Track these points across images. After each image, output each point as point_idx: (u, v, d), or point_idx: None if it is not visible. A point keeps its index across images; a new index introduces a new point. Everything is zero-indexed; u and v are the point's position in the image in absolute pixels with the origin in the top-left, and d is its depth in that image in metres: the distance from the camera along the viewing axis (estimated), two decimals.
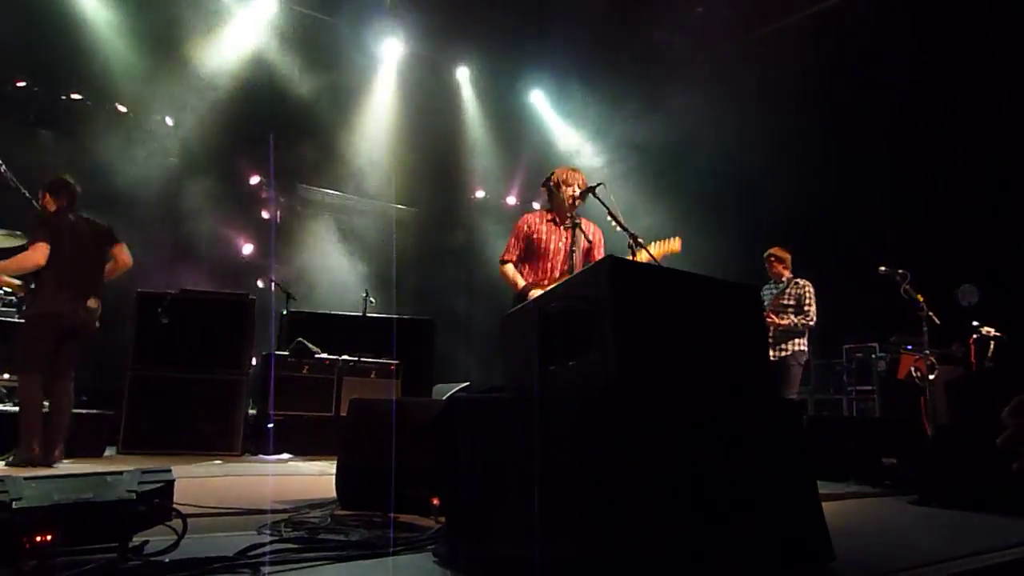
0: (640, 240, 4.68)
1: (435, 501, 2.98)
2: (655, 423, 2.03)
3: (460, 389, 8.03)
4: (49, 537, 1.96)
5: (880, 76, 8.48)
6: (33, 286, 5.11)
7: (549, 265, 5.00)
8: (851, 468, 5.51)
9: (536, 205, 12.06)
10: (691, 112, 9.54)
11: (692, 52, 9.99)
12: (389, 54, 10.53)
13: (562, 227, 5.05)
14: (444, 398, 7.05)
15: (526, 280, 4.96)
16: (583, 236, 4.92)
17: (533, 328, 2.53)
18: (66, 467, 4.87)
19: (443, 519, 2.81)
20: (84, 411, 5.82)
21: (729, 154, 9.62)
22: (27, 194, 5.62)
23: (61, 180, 5.29)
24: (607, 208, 4.86)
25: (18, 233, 5.60)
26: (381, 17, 9.82)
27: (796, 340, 6.43)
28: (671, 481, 2.00)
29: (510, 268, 5.01)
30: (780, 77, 8.84)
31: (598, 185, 4.91)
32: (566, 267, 4.95)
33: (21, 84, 8.38)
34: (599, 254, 5.05)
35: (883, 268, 6.79)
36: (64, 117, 8.73)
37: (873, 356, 8.77)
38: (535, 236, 5.03)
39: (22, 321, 5.46)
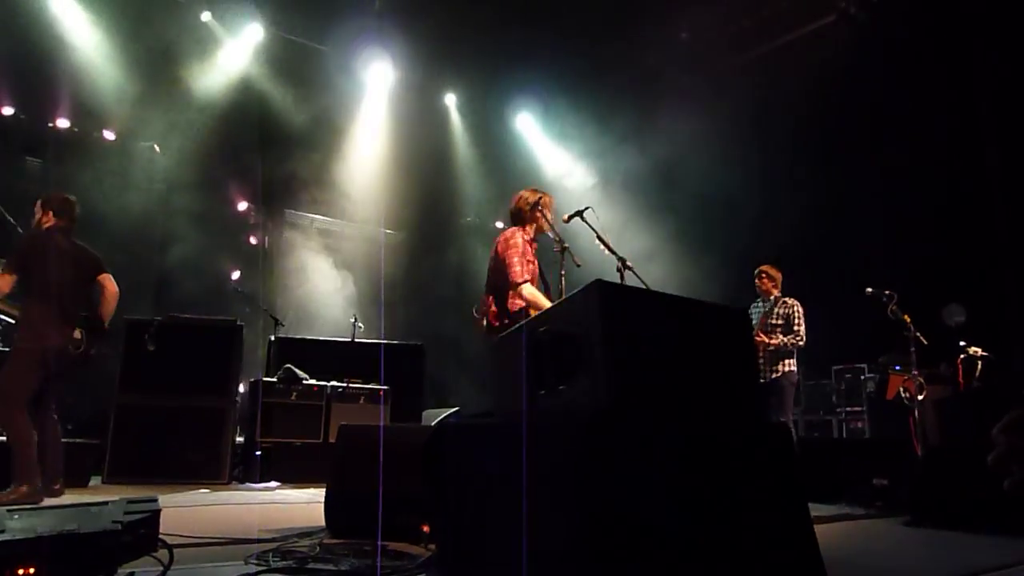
0: (629, 263, 4.70)
1: (426, 528, 2.96)
2: (645, 448, 2.03)
3: (450, 414, 7.99)
4: (32, 570, 1.92)
5: (867, 97, 8.60)
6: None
7: (541, 289, 4.93)
8: (842, 489, 5.51)
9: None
10: (680, 133, 9.64)
11: (681, 74, 10.10)
12: (377, 80, 10.59)
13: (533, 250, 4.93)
14: (433, 424, 7.02)
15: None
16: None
17: (522, 353, 2.52)
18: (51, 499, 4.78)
19: (434, 546, 2.79)
20: (69, 440, 5.72)
21: (718, 175, 9.71)
22: (12, 221, 5.54)
23: (64, 199, 5.06)
24: (595, 231, 4.89)
25: (2, 261, 5.51)
26: (368, 44, 9.88)
27: (787, 360, 6.43)
28: (662, 506, 1.99)
29: (535, 289, 4.77)
30: (768, 99, 8.95)
31: (586, 208, 4.94)
32: (548, 290, 4.89)
33: (7, 112, 8.36)
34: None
35: (870, 289, 6.83)
36: (51, 145, 8.70)
37: (862, 377, 8.80)
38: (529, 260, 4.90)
39: (5, 351, 5.33)
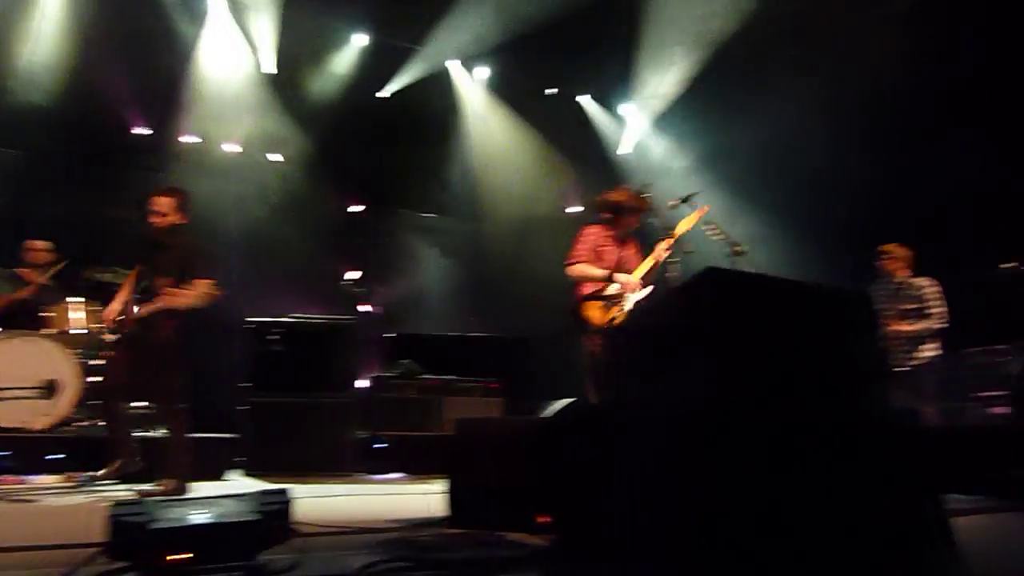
0: (740, 247, 4.59)
1: (543, 519, 2.99)
2: (762, 439, 1.97)
3: (564, 405, 8.00)
4: (182, 556, 2.08)
5: (988, 59, 7.98)
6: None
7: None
8: (981, 480, 5.17)
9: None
10: (788, 109, 9.27)
11: (785, 47, 9.69)
12: (480, 75, 10.74)
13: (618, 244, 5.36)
14: (547, 415, 7.06)
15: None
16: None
17: (635, 342, 2.51)
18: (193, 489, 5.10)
19: (552, 537, 2.82)
20: (205, 435, 6.16)
21: (829, 152, 9.28)
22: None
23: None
24: (704, 217, 4.80)
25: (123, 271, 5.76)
26: (470, 44, 10.00)
27: (926, 346, 6.02)
28: (781, 500, 1.93)
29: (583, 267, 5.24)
30: (881, 67, 8.45)
31: (694, 193, 4.86)
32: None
33: (141, 131, 8.99)
34: None
35: (1008, 264, 6.35)
36: (179, 159, 9.31)
37: (1003, 359, 8.19)
38: (602, 250, 5.27)
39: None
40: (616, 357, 2.73)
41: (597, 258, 5.26)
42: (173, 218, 4.96)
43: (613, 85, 11.06)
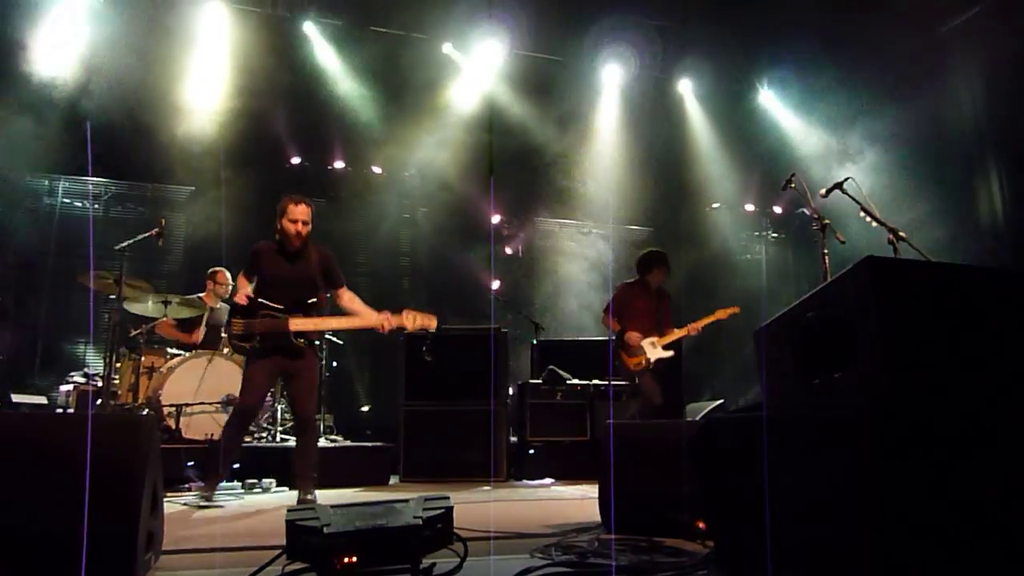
0: (902, 234, 4.29)
1: (701, 525, 2.92)
2: (933, 440, 1.83)
3: (714, 408, 7.80)
4: (353, 559, 2.20)
5: None
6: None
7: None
8: None
9: (777, 209, 11.49)
10: (949, 93, 8.59)
11: (937, 26, 8.96)
12: (612, 80, 10.68)
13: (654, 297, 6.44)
14: (699, 418, 6.90)
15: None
16: None
17: (791, 340, 2.40)
18: (357, 495, 5.38)
19: (710, 543, 2.75)
20: (370, 444, 6.50)
21: (1000, 133, 8.49)
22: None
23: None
24: (859, 203, 4.54)
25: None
26: (601, 46, 9.98)
27: None
28: (962, 508, 1.78)
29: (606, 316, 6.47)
30: None
31: (845, 180, 4.62)
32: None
33: (295, 161, 9.62)
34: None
35: None
36: (329, 185, 9.90)
37: None
38: (635, 301, 6.40)
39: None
40: (770, 357, 2.63)
41: (628, 310, 6.33)
42: (310, 226, 4.81)
43: (750, 74, 10.67)
